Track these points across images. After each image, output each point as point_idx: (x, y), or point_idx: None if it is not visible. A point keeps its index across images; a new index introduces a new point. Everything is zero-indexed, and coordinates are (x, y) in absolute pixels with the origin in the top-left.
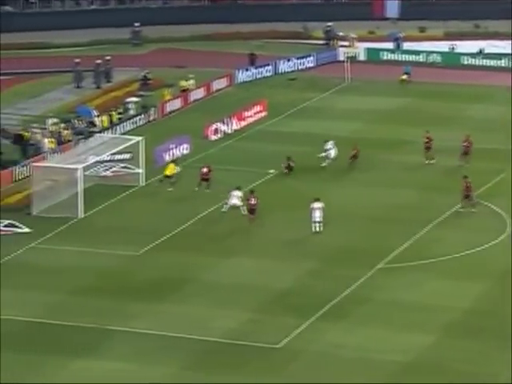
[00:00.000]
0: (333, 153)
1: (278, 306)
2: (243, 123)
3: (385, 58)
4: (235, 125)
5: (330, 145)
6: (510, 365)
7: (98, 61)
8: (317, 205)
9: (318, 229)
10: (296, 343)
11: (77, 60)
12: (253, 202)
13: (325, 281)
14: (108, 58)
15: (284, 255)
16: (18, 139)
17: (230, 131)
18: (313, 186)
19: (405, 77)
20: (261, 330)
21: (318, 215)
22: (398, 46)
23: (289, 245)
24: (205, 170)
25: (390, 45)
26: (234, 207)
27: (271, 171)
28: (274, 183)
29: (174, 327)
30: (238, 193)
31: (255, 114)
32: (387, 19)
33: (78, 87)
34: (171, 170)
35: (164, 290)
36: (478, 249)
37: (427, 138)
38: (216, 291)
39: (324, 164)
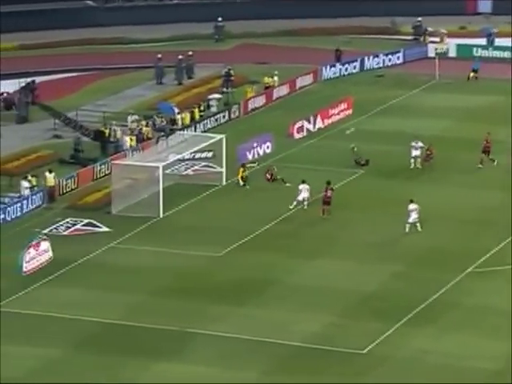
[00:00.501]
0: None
1: (362, 310)
2: (328, 121)
3: (476, 54)
4: (320, 123)
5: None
6: None
7: (180, 56)
8: (412, 206)
9: (416, 228)
10: (382, 348)
11: (159, 55)
12: (328, 193)
13: (412, 284)
14: (190, 53)
15: (369, 257)
16: (98, 136)
17: (314, 129)
18: (399, 186)
19: (472, 74)
20: (345, 335)
21: (413, 216)
22: (491, 42)
23: (374, 247)
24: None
25: (482, 41)
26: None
27: (359, 171)
28: (358, 183)
29: (255, 331)
30: (305, 186)
31: (341, 111)
32: (479, 14)
33: (160, 83)
34: (241, 173)
35: (246, 292)
36: None
37: (486, 140)
38: (299, 294)
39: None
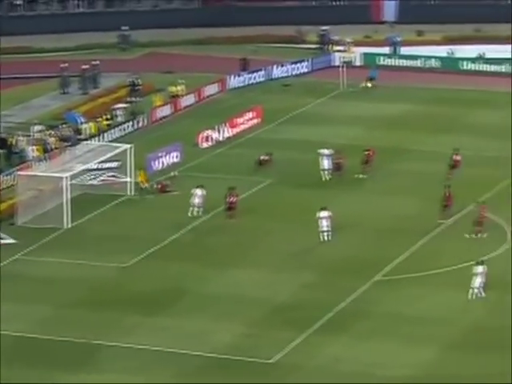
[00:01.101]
0: (326, 164)
1: (274, 320)
2: (236, 130)
3: (381, 63)
4: (228, 132)
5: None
6: None
7: (85, 66)
8: (323, 214)
9: (326, 238)
10: (292, 358)
11: (63, 65)
12: (232, 199)
13: (324, 293)
14: (95, 62)
15: (282, 267)
16: (2, 143)
17: (222, 138)
18: (309, 194)
19: (369, 84)
20: (256, 345)
21: (325, 224)
22: (396, 51)
23: (287, 256)
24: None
25: (387, 49)
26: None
27: (267, 180)
28: (268, 192)
29: (167, 341)
30: (199, 191)
31: (248, 120)
32: (384, 23)
33: (64, 93)
34: (142, 177)
35: (157, 303)
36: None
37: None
38: (211, 304)
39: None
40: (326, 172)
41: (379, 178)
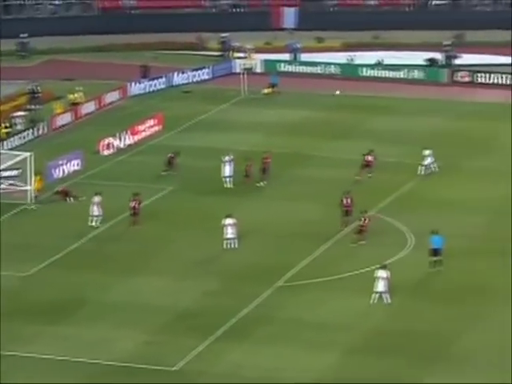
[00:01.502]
0: (227, 171)
1: (177, 327)
2: (137, 137)
3: (282, 69)
4: (129, 139)
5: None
6: (417, 381)
7: None
8: (229, 221)
9: (231, 245)
10: (195, 365)
11: None
12: (135, 205)
13: (226, 300)
14: None
15: (185, 274)
16: None
17: (123, 146)
18: (212, 201)
19: (269, 90)
20: (159, 352)
21: (230, 231)
22: (296, 57)
23: (190, 264)
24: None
25: (287, 56)
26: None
27: (169, 188)
28: (171, 199)
29: (68, 350)
30: (97, 198)
31: (150, 127)
32: (284, 30)
33: None
34: (39, 183)
35: (58, 311)
36: (379, 265)
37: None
38: (113, 312)
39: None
40: (228, 179)
41: (280, 184)
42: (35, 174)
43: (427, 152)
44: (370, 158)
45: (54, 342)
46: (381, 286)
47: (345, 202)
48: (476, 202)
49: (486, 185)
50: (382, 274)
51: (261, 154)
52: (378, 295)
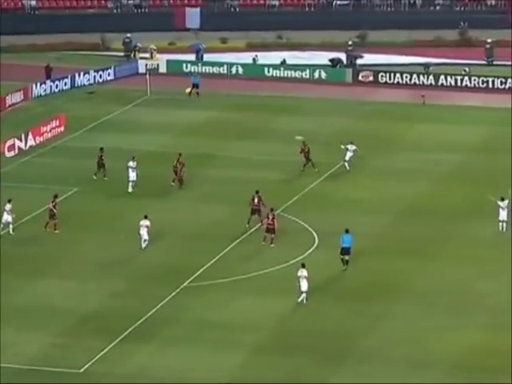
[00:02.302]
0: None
1: (82, 330)
2: (40, 139)
3: (187, 69)
4: (32, 141)
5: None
6: (324, 379)
7: None
8: (144, 222)
9: (143, 246)
10: (101, 366)
11: None
12: (52, 206)
13: (131, 301)
14: None
15: (91, 276)
16: None
17: (26, 147)
18: (118, 203)
19: (189, 89)
20: (64, 355)
21: (144, 232)
22: (200, 58)
23: (96, 265)
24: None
25: (191, 56)
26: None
27: (73, 189)
28: (77, 201)
29: None
30: (8, 206)
31: (53, 129)
32: (188, 30)
33: None
34: None
35: None
36: (286, 264)
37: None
38: (18, 315)
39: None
40: (131, 183)
41: (189, 185)
42: None
43: (351, 147)
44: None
45: None
46: (305, 285)
47: (255, 201)
48: (380, 201)
49: (391, 184)
50: (304, 272)
51: (168, 154)
52: (304, 294)
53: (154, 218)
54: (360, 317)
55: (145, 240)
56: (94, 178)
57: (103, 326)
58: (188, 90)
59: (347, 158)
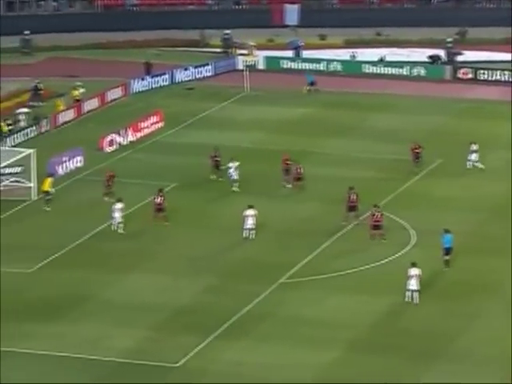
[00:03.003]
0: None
1: (177, 325)
2: (139, 134)
3: (284, 66)
4: (131, 136)
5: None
6: (417, 379)
7: None
8: (249, 212)
9: (250, 236)
10: (195, 362)
11: None
12: (159, 200)
13: (225, 297)
14: None
15: (185, 271)
16: None
17: (125, 143)
18: (211, 198)
19: (308, 88)
20: (159, 349)
21: (250, 222)
22: (298, 55)
23: (190, 260)
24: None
25: (289, 53)
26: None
27: (172, 184)
28: (174, 197)
29: (69, 348)
30: (119, 205)
31: (152, 124)
32: (287, 27)
33: None
34: (48, 185)
35: (58, 309)
36: (382, 262)
37: (416, 148)
38: (114, 309)
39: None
40: (235, 183)
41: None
42: (46, 176)
43: (474, 147)
44: (417, 150)
45: (53, 339)
46: (412, 284)
47: (351, 198)
48: (475, 199)
49: (485, 182)
50: (414, 272)
51: (265, 151)
52: (411, 294)
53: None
54: (453, 316)
55: (251, 229)
56: (212, 177)
57: (197, 322)
58: (305, 88)
59: (473, 157)
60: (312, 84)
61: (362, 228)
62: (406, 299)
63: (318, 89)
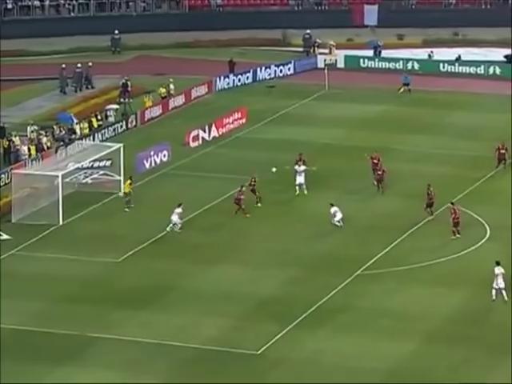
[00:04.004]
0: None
1: (259, 314)
2: (223, 130)
3: (364, 65)
4: (215, 132)
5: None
6: (493, 372)
7: (79, 65)
8: (333, 209)
9: (340, 226)
10: (276, 350)
11: (63, 66)
12: (241, 196)
13: (306, 288)
14: (90, 64)
15: (267, 263)
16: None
17: (209, 138)
18: (291, 193)
19: (403, 88)
20: (242, 337)
21: (338, 216)
22: (377, 54)
23: (272, 253)
24: None
25: (368, 52)
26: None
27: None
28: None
29: (156, 335)
30: (179, 210)
31: (235, 121)
32: (366, 27)
33: (64, 93)
34: (127, 187)
35: (146, 298)
36: (457, 255)
37: (501, 148)
38: (198, 299)
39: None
40: (298, 187)
41: (361, 177)
42: (127, 178)
43: None
44: (502, 150)
45: (142, 327)
46: (498, 283)
47: (430, 194)
48: None
49: None
50: (499, 270)
51: (342, 147)
52: (495, 291)
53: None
54: None
55: (338, 221)
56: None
57: (279, 311)
58: (401, 89)
59: None
60: (406, 84)
61: (438, 223)
62: (493, 298)
63: (411, 89)
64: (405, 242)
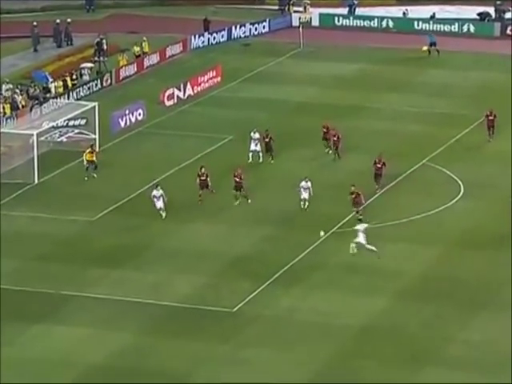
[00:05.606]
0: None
1: (233, 272)
2: (198, 89)
3: (338, 23)
4: (190, 90)
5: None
6: (465, 327)
7: (58, 21)
8: (303, 184)
9: (304, 206)
10: (251, 308)
11: (34, 23)
12: (203, 177)
13: (280, 246)
14: (68, 20)
15: (240, 221)
16: None
17: (184, 97)
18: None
19: (428, 48)
20: (216, 295)
21: (304, 194)
22: (352, 12)
23: (245, 211)
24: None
25: (343, 10)
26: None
27: (228, 137)
28: (230, 148)
29: (131, 293)
30: (156, 191)
31: (210, 79)
32: None
33: (36, 51)
34: (89, 156)
35: (121, 256)
36: (431, 213)
37: (489, 115)
38: (172, 257)
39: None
40: (251, 154)
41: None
42: (88, 146)
43: None
44: (491, 117)
45: (117, 285)
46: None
47: (376, 161)
48: None
49: None
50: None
51: (317, 106)
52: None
53: (300, 167)
54: (500, 266)
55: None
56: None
57: (253, 269)
58: (425, 48)
59: None
60: (432, 45)
61: (412, 181)
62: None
63: (438, 49)
64: (378, 200)
